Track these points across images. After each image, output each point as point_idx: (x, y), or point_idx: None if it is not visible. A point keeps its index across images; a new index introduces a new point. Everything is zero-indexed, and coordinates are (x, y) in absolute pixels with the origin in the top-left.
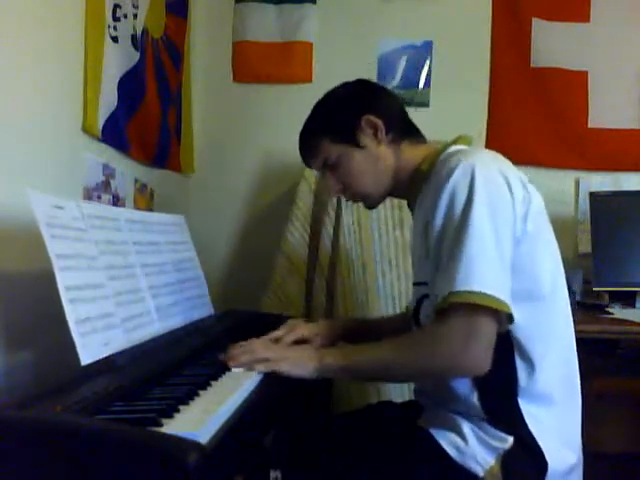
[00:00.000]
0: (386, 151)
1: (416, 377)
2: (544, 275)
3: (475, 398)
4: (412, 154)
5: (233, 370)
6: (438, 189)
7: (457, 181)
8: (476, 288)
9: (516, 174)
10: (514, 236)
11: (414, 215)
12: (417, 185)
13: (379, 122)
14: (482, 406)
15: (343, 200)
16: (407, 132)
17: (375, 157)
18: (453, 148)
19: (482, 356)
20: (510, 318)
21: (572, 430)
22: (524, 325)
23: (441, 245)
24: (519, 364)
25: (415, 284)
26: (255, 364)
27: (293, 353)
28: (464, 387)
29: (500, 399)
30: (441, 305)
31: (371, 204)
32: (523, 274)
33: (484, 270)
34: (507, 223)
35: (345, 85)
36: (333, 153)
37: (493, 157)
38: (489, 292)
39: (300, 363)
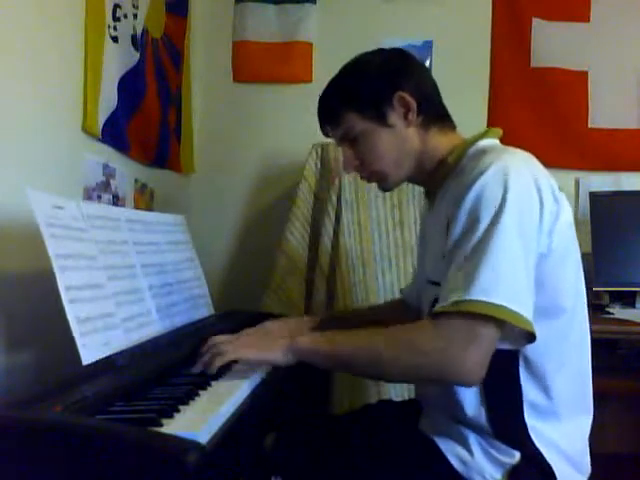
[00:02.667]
0: (414, 134)
1: (406, 374)
2: (565, 293)
3: (484, 413)
4: (440, 142)
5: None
6: (466, 188)
7: (487, 183)
8: (497, 300)
9: (549, 183)
10: (538, 252)
11: (433, 208)
12: (441, 176)
13: (412, 102)
14: (490, 421)
15: (343, 200)
16: (439, 117)
17: (401, 138)
18: (484, 142)
19: (479, 364)
20: (532, 336)
21: (581, 448)
22: (537, 342)
23: (461, 245)
24: (526, 380)
25: (430, 282)
26: (216, 358)
27: (259, 341)
28: (473, 402)
29: (508, 415)
30: (453, 308)
31: (387, 186)
32: (543, 291)
33: (509, 282)
34: (533, 236)
35: (382, 53)
36: (357, 127)
37: (527, 161)
38: (511, 307)
39: (267, 349)
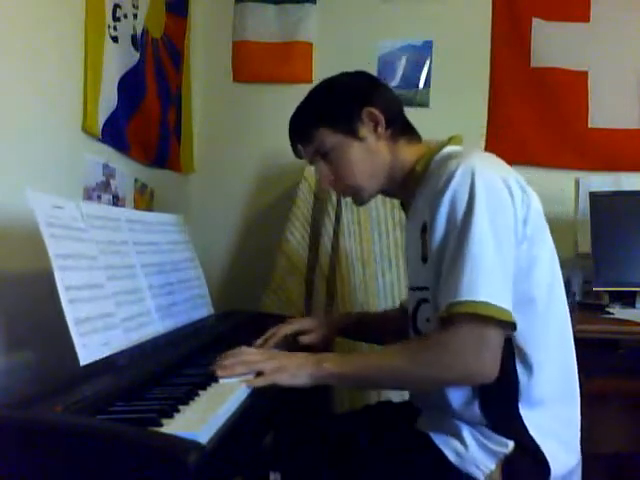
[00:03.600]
0: (384, 147)
1: (425, 387)
2: (541, 278)
3: (476, 406)
4: (408, 153)
5: (221, 381)
6: (438, 194)
7: (457, 186)
8: (480, 298)
9: (515, 177)
10: (515, 240)
11: (408, 216)
12: (411, 186)
13: (380, 116)
14: (483, 414)
15: (343, 200)
16: (405, 130)
17: (372, 151)
18: (448, 149)
19: (493, 364)
20: (513, 326)
21: (571, 433)
22: (522, 329)
23: (443, 253)
24: (520, 368)
25: (412, 289)
26: (253, 381)
27: (289, 361)
28: (463, 396)
29: (501, 406)
30: (444, 314)
31: (361, 199)
32: (520, 277)
33: (487, 279)
34: (508, 228)
35: (346, 75)
36: (329, 142)
37: (491, 160)
38: (492, 302)
39: (297, 373)
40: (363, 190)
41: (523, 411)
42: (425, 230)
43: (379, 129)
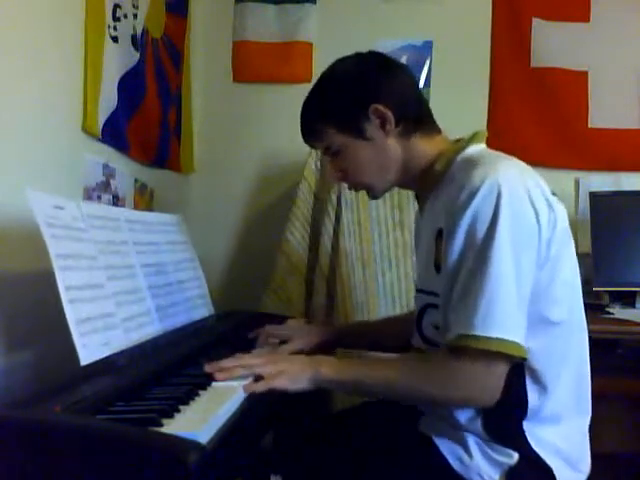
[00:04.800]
0: (395, 144)
1: (423, 403)
2: (562, 298)
3: (479, 423)
4: (424, 148)
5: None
6: (460, 206)
7: (481, 203)
8: (494, 334)
9: (541, 191)
10: (537, 263)
11: (423, 215)
12: (429, 182)
13: (388, 113)
14: (486, 430)
15: (343, 200)
16: (420, 123)
17: (382, 150)
18: (471, 150)
19: (495, 392)
20: (523, 358)
21: (578, 449)
22: (538, 349)
23: (459, 271)
24: (530, 389)
25: (419, 291)
26: (251, 387)
27: (289, 365)
28: (468, 412)
29: (505, 423)
30: (455, 343)
31: (374, 195)
32: (541, 298)
33: (503, 313)
34: (530, 251)
35: (357, 60)
36: (336, 142)
37: (519, 171)
38: (506, 337)
39: (296, 377)
40: (374, 187)
41: (527, 427)
42: (440, 237)
43: (387, 126)
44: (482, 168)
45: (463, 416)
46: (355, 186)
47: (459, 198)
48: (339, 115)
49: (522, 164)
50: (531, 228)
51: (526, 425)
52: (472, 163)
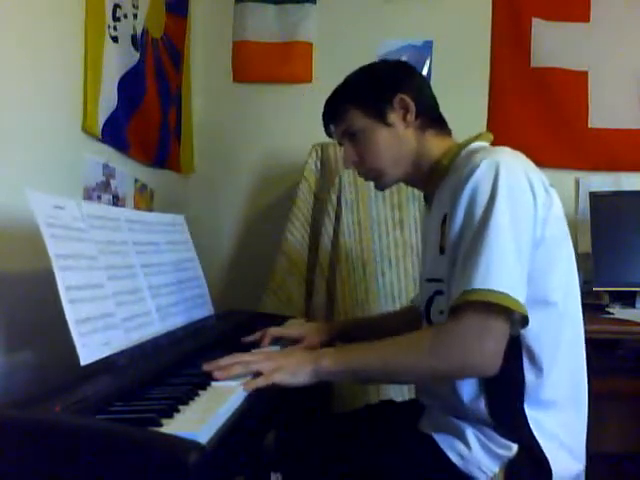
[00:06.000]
0: (411, 135)
1: (424, 377)
2: (558, 281)
3: (482, 403)
4: (435, 145)
5: (220, 383)
6: (460, 185)
7: (480, 178)
8: (494, 287)
9: (539, 176)
10: (534, 240)
11: (431, 209)
12: (436, 178)
13: (411, 104)
14: (489, 411)
15: (343, 200)
16: (435, 121)
17: (399, 138)
18: (475, 145)
19: (495, 354)
20: (525, 320)
21: (577, 439)
22: (535, 330)
23: (460, 243)
24: (528, 369)
25: (428, 280)
26: (251, 384)
27: (287, 360)
28: (471, 391)
29: (507, 404)
30: (457, 302)
31: (383, 184)
32: (537, 279)
33: (503, 270)
34: (528, 226)
35: (386, 61)
36: (358, 124)
37: (517, 157)
38: (506, 291)
39: (296, 371)
40: (386, 175)
41: (529, 411)
42: (445, 221)
43: (408, 117)
44: (482, 153)
45: (467, 395)
46: (367, 172)
47: (460, 178)
48: (366, 98)
49: (523, 155)
50: (528, 203)
51: (528, 410)
52: (473, 152)
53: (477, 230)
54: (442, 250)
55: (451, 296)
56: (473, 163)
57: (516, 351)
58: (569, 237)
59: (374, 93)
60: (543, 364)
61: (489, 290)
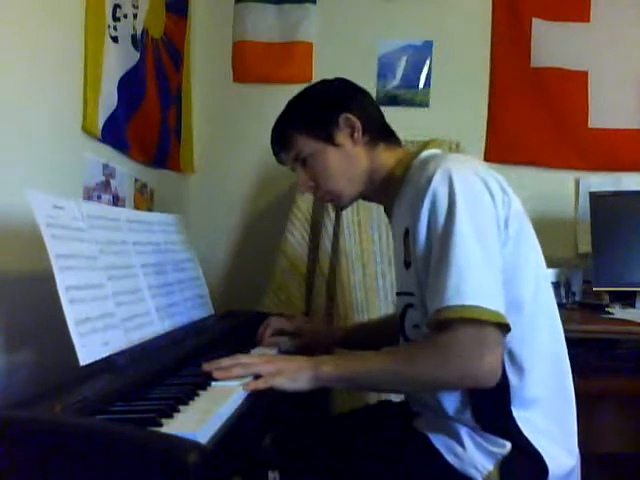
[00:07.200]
0: (361, 152)
1: (426, 388)
2: (527, 278)
3: (469, 413)
4: (387, 158)
5: (219, 383)
6: (418, 199)
7: (436, 190)
8: (467, 302)
9: (494, 177)
10: (499, 241)
11: (392, 221)
12: (391, 190)
13: (357, 122)
14: (475, 419)
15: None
16: (383, 135)
17: (350, 157)
18: (426, 153)
19: (495, 365)
20: (507, 327)
21: (567, 432)
22: (513, 331)
23: (427, 257)
24: (510, 372)
25: (398, 294)
26: (251, 385)
27: (287, 364)
28: (458, 401)
29: (494, 410)
30: (434, 320)
31: (342, 204)
32: (509, 278)
33: (474, 282)
34: (492, 229)
35: (324, 82)
36: (307, 148)
37: (469, 161)
38: (482, 304)
39: (295, 376)
40: (342, 195)
41: (516, 413)
42: (407, 235)
43: (356, 135)
44: (434, 162)
45: (451, 407)
46: (324, 195)
47: (417, 191)
48: (311, 122)
49: (474, 158)
50: (487, 205)
51: (514, 410)
52: (426, 162)
53: (442, 242)
54: (407, 264)
55: (427, 313)
56: (427, 174)
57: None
58: (533, 234)
59: (319, 116)
60: (524, 363)
61: (462, 305)
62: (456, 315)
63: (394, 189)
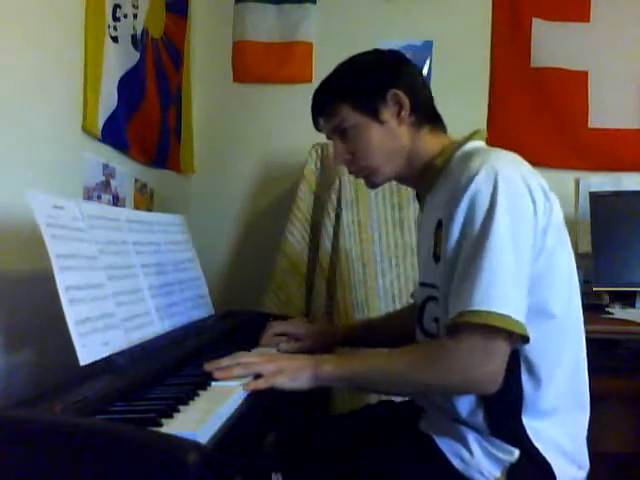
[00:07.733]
0: (405, 133)
1: (425, 392)
2: (558, 291)
3: (480, 416)
4: (430, 143)
5: (220, 383)
6: (457, 193)
7: (479, 188)
8: (494, 309)
9: (538, 182)
10: (533, 250)
11: (424, 210)
12: (429, 178)
13: (406, 100)
14: (487, 424)
15: (343, 200)
16: (430, 118)
17: (393, 135)
18: (470, 145)
19: (496, 376)
20: (525, 339)
21: (579, 445)
22: (535, 342)
23: (458, 255)
24: (526, 381)
25: (421, 284)
26: (251, 385)
27: (288, 364)
28: (469, 405)
29: (505, 416)
30: (455, 321)
31: (375, 182)
32: (538, 289)
33: (503, 290)
34: (528, 237)
35: (377, 52)
36: (350, 120)
37: (515, 162)
38: (507, 313)
39: (296, 375)
40: (378, 173)
41: (527, 422)
42: (440, 227)
43: (402, 113)
44: (479, 157)
45: (464, 409)
46: (359, 170)
47: (457, 185)
48: (357, 93)
49: (520, 158)
50: (528, 214)
51: (526, 420)
52: (469, 156)
53: (476, 243)
54: (436, 257)
55: (449, 311)
56: (470, 169)
57: (514, 364)
58: (569, 244)
59: (366, 88)
60: (542, 375)
61: (490, 312)
62: (479, 320)
63: (432, 178)
